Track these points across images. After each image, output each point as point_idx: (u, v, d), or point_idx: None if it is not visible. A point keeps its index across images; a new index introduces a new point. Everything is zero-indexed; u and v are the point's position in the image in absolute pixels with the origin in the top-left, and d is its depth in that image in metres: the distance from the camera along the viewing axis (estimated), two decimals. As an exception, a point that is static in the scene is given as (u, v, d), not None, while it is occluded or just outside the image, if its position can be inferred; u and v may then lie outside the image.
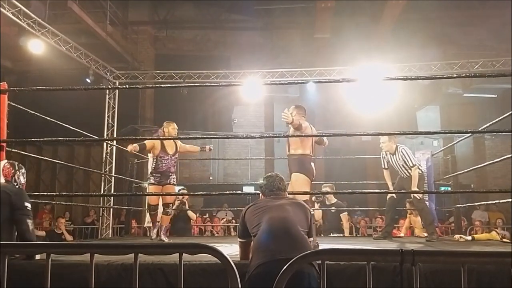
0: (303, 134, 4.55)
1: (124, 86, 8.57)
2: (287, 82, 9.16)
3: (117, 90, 9.93)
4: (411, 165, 5.79)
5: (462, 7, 11.74)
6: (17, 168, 3.49)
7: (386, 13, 11.30)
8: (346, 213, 7.60)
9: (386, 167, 6.12)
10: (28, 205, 3.30)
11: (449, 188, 9.17)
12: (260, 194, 3.17)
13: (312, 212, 3.05)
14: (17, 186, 3.41)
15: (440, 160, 9.74)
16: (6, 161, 3.54)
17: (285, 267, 1.77)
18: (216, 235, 9.90)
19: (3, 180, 3.36)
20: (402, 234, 7.43)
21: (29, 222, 3.25)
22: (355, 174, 10.22)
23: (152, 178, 5.79)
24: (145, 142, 5.65)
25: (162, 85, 9.69)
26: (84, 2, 11.03)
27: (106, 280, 2.92)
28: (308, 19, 12.73)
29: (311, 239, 2.90)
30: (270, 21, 13.56)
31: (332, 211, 7.34)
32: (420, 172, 5.96)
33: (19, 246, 2.21)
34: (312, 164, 5.01)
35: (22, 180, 3.52)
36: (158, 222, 5.97)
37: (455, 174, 7.22)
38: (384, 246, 4.85)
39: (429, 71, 9.30)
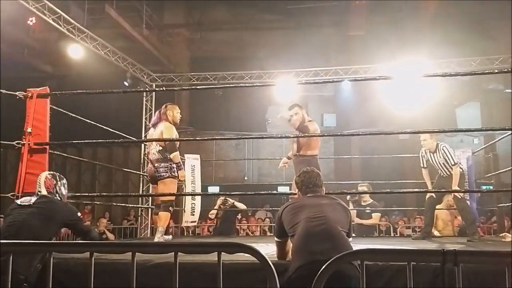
0: (341, 134, 4.50)
1: (161, 89, 8.71)
2: (321, 81, 9.09)
3: (154, 93, 10.09)
4: (453, 163, 5.63)
5: (502, 1, 11.38)
6: (58, 179, 3.49)
7: (423, 9, 11.08)
8: (379, 214, 7.49)
9: (425, 166, 5.97)
10: (79, 214, 3.42)
11: (491, 187, 8.90)
12: (297, 191, 3.13)
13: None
14: (59, 198, 3.43)
15: (481, 158, 9.46)
16: (47, 172, 3.54)
17: (323, 267, 1.76)
18: (251, 235, 9.94)
19: (45, 192, 3.37)
20: (436, 233, 7.25)
21: (85, 224, 3.46)
22: (393, 173, 10.06)
23: (173, 171, 5.17)
24: (175, 144, 5.13)
25: (198, 87, 9.79)
26: (121, 6, 11.29)
27: (145, 279, 2.96)
28: (342, 17, 12.61)
29: (350, 239, 2.84)
30: (303, 20, 13.50)
31: (367, 211, 7.22)
32: (461, 170, 5.81)
33: (65, 245, 2.28)
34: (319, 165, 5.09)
35: (64, 191, 3.51)
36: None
37: (497, 172, 7.01)
38: (424, 247, 4.75)
39: (468, 67, 9.04)
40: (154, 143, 5.22)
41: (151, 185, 5.36)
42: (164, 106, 5.39)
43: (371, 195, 7.33)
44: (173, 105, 5.38)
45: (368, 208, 7.21)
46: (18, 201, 3.33)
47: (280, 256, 3.02)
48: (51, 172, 3.56)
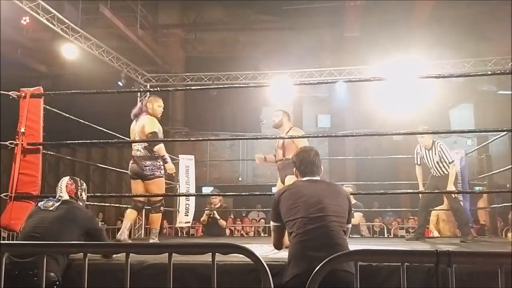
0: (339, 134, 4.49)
1: (155, 89, 8.70)
2: (316, 82, 9.11)
3: (148, 93, 10.07)
4: (449, 161, 5.65)
5: (496, 2, 11.45)
6: (79, 185, 3.52)
7: (417, 10, 11.11)
8: (361, 214, 7.57)
9: (419, 163, 5.97)
10: (98, 222, 3.47)
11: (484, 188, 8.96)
12: (294, 170, 2.93)
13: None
14: (80, 203, 3.46)
15: (474, 159, 9.51)
16: (68, 177, 3.54)
17: (317, 267, 1.76)
18: (245, 235, 9.93)
19: (67, 197, 3.39)
20: (436, 233, 7.28)
21: (103, 236, 3.44)
22: (387, 174, 10.08)
23: (162, 170, 4.95)
24: (157, 131, 4.84)
25: (192, 88, 9.79)
26: (115, 6, 11.25)
27: (139, 279, 2.96)
28: (337, 18, 12.64)
29: (349, 225, 2.79)
30: (299, 21, 13.52)
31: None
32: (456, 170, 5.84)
33: (59, 246, 2.27)
34: None
35: (84, 196, 3.55)
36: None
37: (490, 173, 7.05)
38: (418, 247, 4.77)
39: (462, 69, 9.08)
40: (138, 138, 4.92)
41: (132, 181, 5.03)
42: (147, 97, 5.16)
43: (354, 196, 7.40)
44: (155, 98, 5.11)
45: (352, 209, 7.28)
46: (41, 205, 3.33)
47: (276, 242, 2.89)
48: (72, 177, 3.57)
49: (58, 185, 3.47)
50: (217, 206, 7.64)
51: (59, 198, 3.38)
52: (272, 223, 2.86)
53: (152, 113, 4.97)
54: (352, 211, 7.22)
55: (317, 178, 2.86)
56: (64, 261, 3.13)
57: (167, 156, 4.95)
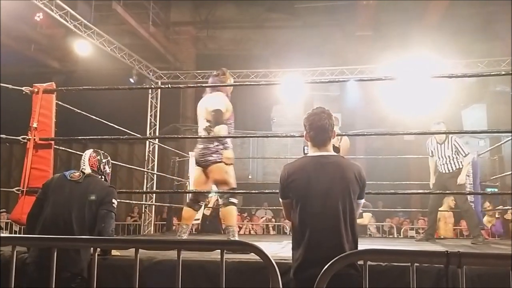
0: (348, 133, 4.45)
1: (167, 86, 8.73)
2: (327, 81, 9.07)
3: (159, 90, 10.11)
4: (465, 154, 5.65)
5: (510, 2, 11.31)
6: (102, 157, 3.40)
7: (430, 10, 11.02)
8: (370, 214, 7.56)
9: (432, 155, 5.94)
10: (115, 202, 3.19)
11: (496, 190, 8.87)
12: (304, 133, 2.72)
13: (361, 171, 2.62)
14: (102, 178, 3.36)
15: (486, 160, 9.43)
16: (92, 150, 3.43)
17: (325, 267, 1.75)
18: (253, 233, 9.95)
19: (89, 170, 3.28)
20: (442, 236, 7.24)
21: (112, 221, 3.13)
22: (398, 174, 10.01)
23: (220, 154, 4.14)
24: (222, 109, 4.10)
25: (203, 85, 9.80)
26: (128, 3, 11.31)
27: (148, 276, 2.97)
28: (349, 17, 12.57)
29: (362, 200, 2.67)
30: (310, 19, 13.47)
31: (360, 211, 7.30)
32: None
33: (68, 240, 2.28)
34: None
35: (108, 170, 3.44)
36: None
37: (502, 175, 6.98)
38: (428, 248, 4.73)
39: (475, 69, 8.99)
40: (202, 117, 4.27)
41: (195, 167, 4.37)
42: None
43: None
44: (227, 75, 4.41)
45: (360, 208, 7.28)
46: (67, 175, 3.21)
47: (288, 215, 2.70)
48: (96, 150, 3.45)
49: (82, 158, 3.36)
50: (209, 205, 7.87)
51: (82, 171, 3.27)
52: (281, 200, 2.71)
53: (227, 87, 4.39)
54: (361, 211, 7.22)
55: (327, 153, 2.64)
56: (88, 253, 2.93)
57: (228, 141, 4.21)
